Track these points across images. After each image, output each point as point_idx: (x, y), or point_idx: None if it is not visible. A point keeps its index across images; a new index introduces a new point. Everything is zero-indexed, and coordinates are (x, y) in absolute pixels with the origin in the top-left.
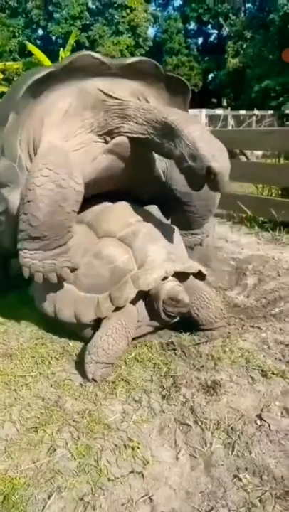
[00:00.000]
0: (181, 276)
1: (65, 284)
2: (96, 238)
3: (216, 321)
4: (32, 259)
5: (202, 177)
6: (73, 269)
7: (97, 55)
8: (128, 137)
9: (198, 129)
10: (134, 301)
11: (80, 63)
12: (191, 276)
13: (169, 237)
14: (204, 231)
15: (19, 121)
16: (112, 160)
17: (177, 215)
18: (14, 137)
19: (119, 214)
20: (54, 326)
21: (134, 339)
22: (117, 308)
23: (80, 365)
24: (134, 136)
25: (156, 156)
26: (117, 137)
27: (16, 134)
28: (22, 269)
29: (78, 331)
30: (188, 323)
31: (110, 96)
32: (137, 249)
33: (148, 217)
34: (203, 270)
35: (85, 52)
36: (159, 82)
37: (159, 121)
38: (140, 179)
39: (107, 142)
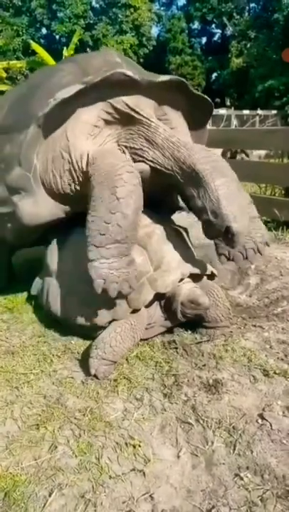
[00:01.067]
0: (195, 277)
1: (78, 286)
2: None
3: (222, 320)
4: (109, 268)
5: (220, 233)
6: (138, 279)
7: (129, 73)
8: (150, 166)
9: (224, 186)
10: (149, 303)
11: (111, 80)
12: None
13: (181, 240)
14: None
15: (40, 135)
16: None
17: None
18: (33, 150)
19: None
20: (56, 323)
21: (145, 339)
22: (134, 311)
23: (82, 362)
24: (158, 167)
25: None
26: (141, 164)
27: (35, 147)
28: (94, 283)
29: (91, 334)
30: (190, 321)
31: (138, 112)
32: (152, 251)
33: (159, 220)
34: (215, 272)
35: (118, 70)
36: (185, 100)
37: (187, 165)
38: (156, 195)
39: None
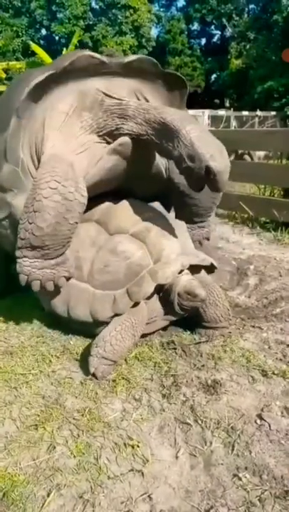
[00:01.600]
0: (193, 270)
1: (78, 282)
2: (108, 235)
3: (221, 320)
4: (31, 267)
5: (201, 177)
6: (68, 278)
7: (96, 55)
8: (130, 137)
9: (196, 129)
10: (149, 296)
11: (80, 63)
12: (202, 273)
13: (179, 232)
14: (210, 224)
15: (21, 125)
16: (117, 160)
17: (181, 208)
18: (16, 141)
19: (129, 211)
20: (55, 324)
21: (147, 334)
22: (135, 304)
23: (81, 363)
24: (134, 136)
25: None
26: (121, 137)
27: (18, 138)
28: (19, 277)
29: (92, 330)
30: (189, 322)
31: (110, 96)
32: (151, 244)
33: (156, 213)
34: (215, 263)
35: (84, 52)
36: (156, 80)
37: (158, 121)
38: (142, 176)
39: (108, 143)
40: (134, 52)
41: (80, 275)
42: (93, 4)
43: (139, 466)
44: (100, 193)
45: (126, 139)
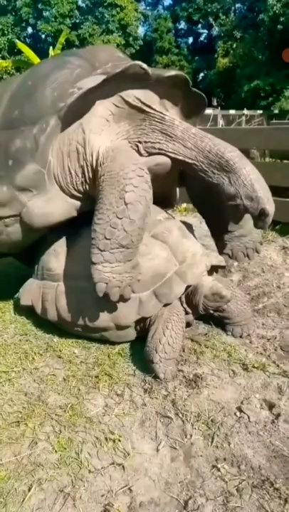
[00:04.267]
0: (211, 270)
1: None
2: None
3: (245, 309)
4: (112, 273)
5: (255, 216)
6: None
7: (145, 66)
8: (171, 158)
9: (254, 171)
10: None
11: (130, 72)
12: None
13: (193, 233)
14: (250, 232)
15: (59, 127)
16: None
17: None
18: (49, 142)
19: None
20: (38, 322)
21: None
22: (165, 305)
23: (64, 360)
24: (180, 158)
25: None
26: (160, 156)
27: (51, 140)
28: (97, 286)
29: (111, 337)
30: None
31: (150, 107)
32: (174, 245)
33: (169, 215)
34: (225, 263)
35: (136, 62)
36: (182, 96)
37: (214, 153)
38: (160, 188)
39: (138, 151)
40: (120, 51)
41: None
42: (80, 2)
43: (120, 460)
44: None
45: (166, 160)
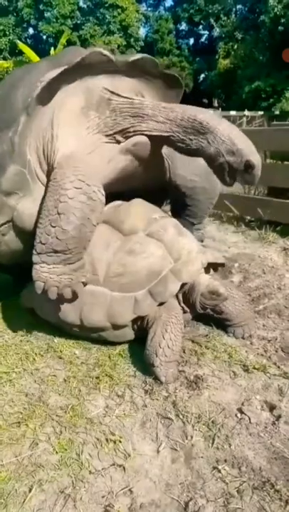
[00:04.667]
0: (209, 268)
1: (92, 286)
2: (123, 236)
3: (244, 310)
4: (50, 273)
5: (239, 171)
6: (85, 284)
7: (106, 52)
8: (147, 136)
9: (230, 127)
10: None
11: (90, 60)
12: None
13: (188, 230)
14: (204, 226)
15: (29, 124)
16: (130, 160)
17: (180, 210)
18: (24, 141)
19: (140, 211)
20: (39, 323)
21: None
22: (160, 304)
23: (65, 361)
24: (156, 134)
25: None
26: (135, 137)
27: (26, 138)
28: (35, 284)
29: (109, 337)
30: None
31: (118, 95)
32: (169, 242)
33: (163, 213)
34: (223, 261)
35: (95, 48)
36: (155, 79)
37: (186, 120)
38: (151, 177)
39: (118, 142)
40: (122, 52)
41: (95, 279)
42: (81, 3)
43: (121, 461)
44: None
45: (141, 139)
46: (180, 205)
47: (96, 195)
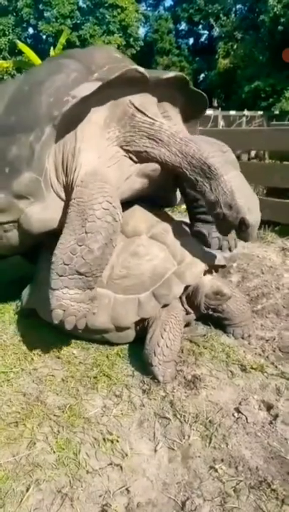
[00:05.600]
0: (210, 270)
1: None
2: (126, 238)
3: (245, 310)
4: (71, 300)
5: (234, 226)
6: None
7: (142, 70)
8: (158, 163)
9: (237, 178)
10: None
11: (126, 77)
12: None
13: (190, 233)
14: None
15: (53, 135)
16: (145, 183)
17: (193, 207)
18: (45, 151)
19: (142, 215)
20: (38, 323)
21: None
22: (164, 306)
23: (63, 361)
24: (165, 164)
25: None
26: (152, 164)
27: (48, 148)
28: (53, 313)
29: (112, 338)
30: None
31: (142, 112)
32: (172, 245)
33: (166, 215)
34: (224, 262)
35: (133, 66)
36: (182, 96)
37: (197, 159)
38: (157, 191)
39: (132, 159)
40: (121, 52)
41: (99, 281)
42: (80, 3)
43: (118, 460)
44: None
45: (157, 166)
46: (191, 199)
47: (118, 217)
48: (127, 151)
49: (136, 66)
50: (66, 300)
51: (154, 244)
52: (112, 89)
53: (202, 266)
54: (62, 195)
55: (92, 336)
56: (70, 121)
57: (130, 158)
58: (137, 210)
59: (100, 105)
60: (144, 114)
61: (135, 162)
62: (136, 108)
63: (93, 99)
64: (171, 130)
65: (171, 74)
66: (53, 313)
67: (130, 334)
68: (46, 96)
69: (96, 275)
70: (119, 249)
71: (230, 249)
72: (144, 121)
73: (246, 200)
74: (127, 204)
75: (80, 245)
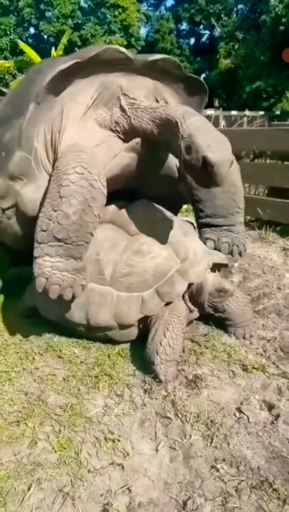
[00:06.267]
0: (212, 269)
1: (98, 286)
2: (129, 236)
3: (246, 311)
4: (52, 268)
5: (201, 171)
6: (84, 288)
7: (123, 50)
8: (141, 136)
9: (197, 121)
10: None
11: (106, 56)
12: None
13: (194, 232)
14: (239, 230)
15: (38, 113)
16: (133, 158)
17: (199, 210)
18: (32, 129)
19: (145, 211)
20: (39, 322)
21: None
22: (167, 304)
23: (64, 360)
24: (144, 133)
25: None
26: (131, 142)
27: (34, 126)
28: (36, 280)
29: (115, 336)
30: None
31: (126, 95)
32: (175, 243)
33: (169, 214)
34: (226, 261)
35: (112, 46)
36: (178, 82)
37: (162, 118)
38: (154, 176)
39: (123, 140)
40: None
41: (102, 278)
42: (82, 3)
43: (120, 460)
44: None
45: (135, 146)
46: (196, 200)
47: (97, 184)
48: (116, 131)
49: (117, 46)
50: (48, 268)
51: (157, 243)
52: (98, 73)
53: (205, 264)
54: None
55: (95, 333)
56: (54, 99)
57: (119, 138)
58: (139, 208)
59: (87, 87)
60: (128, 96)
61: (123, 141)
62: (122, 91)
63: (77, 79)
64: (146, 103)
65: (158, 56)
66: (36, 281)
67: (133, 332)
68: (35, 83)
69: (76, 243)
70: (123, 247)
71: (240, 254)
72: (128, 103)
73: (205, 138)
74: (124, 201)
75: (56, 210)
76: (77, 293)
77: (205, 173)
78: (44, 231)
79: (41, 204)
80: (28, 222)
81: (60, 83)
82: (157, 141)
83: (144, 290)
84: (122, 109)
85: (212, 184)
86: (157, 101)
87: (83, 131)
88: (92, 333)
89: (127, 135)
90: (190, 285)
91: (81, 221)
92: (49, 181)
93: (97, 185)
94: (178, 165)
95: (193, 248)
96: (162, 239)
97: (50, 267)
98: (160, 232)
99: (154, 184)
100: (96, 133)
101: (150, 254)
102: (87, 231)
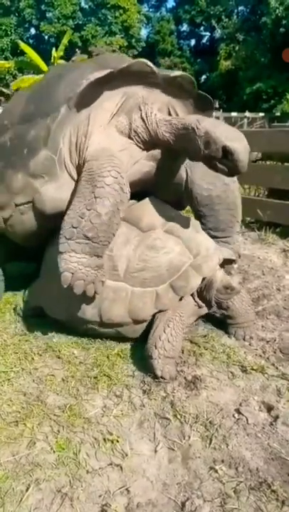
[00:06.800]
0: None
1: (112, 282)
2: (142, 232)
3: (249, 311)
4: (78, 264)
5: (222, 160)
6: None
7: (150, 64)
8: (160, 148)
9: (211, 121)
10: None
11: (135, 68)
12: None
13: (200, 229)
14: (234, 241)
15: (67, 116)
16: (152, 166)
17: (202, 221)
18: (60, 131)
19: (154, 210)
20: (38, 322)
21: None
22: (181, 298)
23: (63, 360)
24: (162, 143)
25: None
26: (153, 151)
27: (62, 128)
28: (62, 276)
29: (127, 333)
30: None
31: (147, 105)
32: (187, 239)
33: (177, 211)
34: (234, 257)
35: (141, 59)
36: (189, 97)
37: (179, 128)
38: (165, 184)
39: (141, 148)
40: (123, 53)
41: (115, 274)
42: (83, 4)
43: (118, 461)
44: None
45: (156, 153)
46: (200, 215)
47: (126, 188)
48: (135, 139)
49: (145, 60)
50: (74, 263)
51: (169, 238)
52: (123, 83)
53: (216, 260)
54: (75, 176)
55: (107, 330)
56: (84, 104)
57: (138, 146)
58: (149, 206)
59: (113, 95)
60: (147, 105)
61: (142, 150)
62: (143, 101)
63: (106, 87)
64: (160, 116)
65: (178, 73)
66: (62, 277)
67: (144, 328)
68: (63, 85)
69: (103, 243)
70: (136, 243)
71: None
72: (145, 113)
73: (222, 131)
74: (138, 200)
75: (89, 209)
76: (98, 289)
77: (226, 161)
78: (75, 228)
79: (60, 202)
80: (43, 220)
81: (92, 90)
82: (173, 149)
83: (159, 285)
84: (142, 119)
85: (234, 171)
86: (170, 113)
87: (107, 137)
88: (103, 330)
89: (145, 143)
90: (202, 280)
91: (110, 222)
92: (69, 182)
93: (126, 190)
94: (184, 178)
95: (204, 244)
96: (174, 234)
97: (76, 263)
98: (173, 229)
99: (165, 189)
100: (118, 140)
101: (164, 249)
102: (112, 232)
